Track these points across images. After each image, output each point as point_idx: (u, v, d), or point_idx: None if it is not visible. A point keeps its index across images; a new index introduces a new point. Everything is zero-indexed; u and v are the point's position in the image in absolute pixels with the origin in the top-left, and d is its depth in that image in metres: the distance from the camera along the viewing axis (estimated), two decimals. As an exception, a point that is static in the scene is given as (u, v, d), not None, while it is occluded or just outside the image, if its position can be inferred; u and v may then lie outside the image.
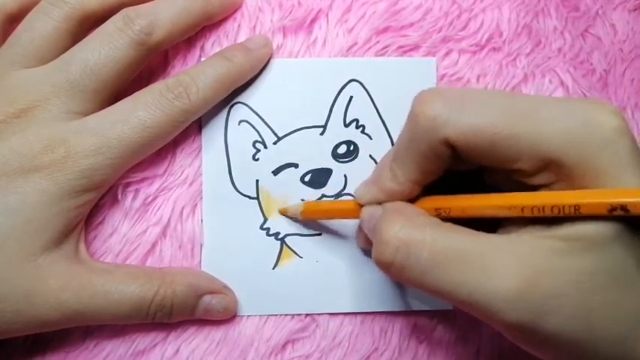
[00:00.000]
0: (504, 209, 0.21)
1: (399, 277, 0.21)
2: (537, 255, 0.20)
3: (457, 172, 0.23)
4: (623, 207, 0.18)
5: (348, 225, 0.29)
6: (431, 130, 0.21)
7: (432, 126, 0.21)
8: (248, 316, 0.28)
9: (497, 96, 0.21)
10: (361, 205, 0.25)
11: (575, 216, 0.19)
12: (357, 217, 0.25)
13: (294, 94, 0.30)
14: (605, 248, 0.19)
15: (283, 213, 0.29)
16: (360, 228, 0.27)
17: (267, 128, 0.30)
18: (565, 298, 0.19)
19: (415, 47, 0.31)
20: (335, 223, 0.29)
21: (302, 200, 0.29)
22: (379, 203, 0.24)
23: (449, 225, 0.21)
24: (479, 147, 0.20)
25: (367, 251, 0.29)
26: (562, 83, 0.31)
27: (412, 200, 0.23)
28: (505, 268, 0.19)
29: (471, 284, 0.19)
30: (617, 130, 0.20)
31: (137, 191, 0.29)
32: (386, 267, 0.21)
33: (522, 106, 0.20)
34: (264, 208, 0.29)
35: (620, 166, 0.19)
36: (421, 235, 0.20)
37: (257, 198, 0.29)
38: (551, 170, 0.20)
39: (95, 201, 0.27)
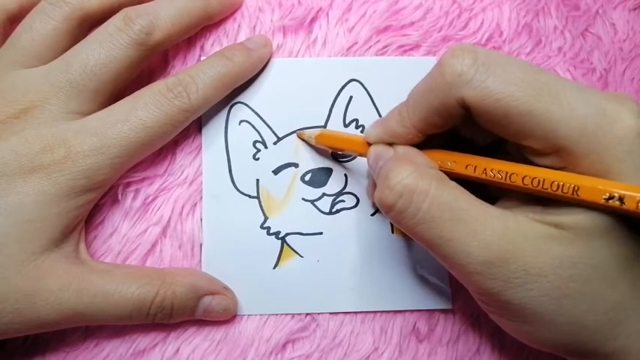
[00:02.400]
0: (506, 176, 0.21)
1: (395, 220, 0.22)
2: (525, 234, 0.20)
3: (473, 146, 0.24)
4: (621, 198, 0.19)
5: (350, 224, 0.29)
6: (451, 86, 0.21)
7: (454, 82, 0.21)
8: (248, 315, 0.28)
9: (524, 68, 0.21)
10: (369, 144, 0.25)
11: (572, 198, 0.19)
12: (365, 153, 0.25)
13: (294, 94, 0.30)
14: (592, 241, 0.20)
15: (300, 136, 0.29)
16: (371, 180, 0.28)
17: (268, 128, 0.30)
18: (541, 278, 0.20)
19: (415, 47, 0.31)
20: (336, 223, 0.29)
21: (302, 199, 0.29)
22: (389, 144, 0.24)
23: (454, 184, 0.22)
24: (493, 115, 0.20)
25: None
26: (562, 82, 0.31)
27: (415, 147, 0.24)
28: (492, 238, 0.20)
29: (457, 243, 0.20)
30: (634, 130, 0.20)
31: (137, 191, 0.29)
32: (386, 209, 0.22)
33: (545, 85, 0.20)
34: (264, 207, 0.29)
35: (630, 165, 0.20)
36: (427, 186, 0.21)
37: (257, 197, 0.29)
38: (560, 155, 0.20)
39: (95, 201, 0.26)
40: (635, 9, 0.33)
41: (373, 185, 0.27)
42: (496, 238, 0.20)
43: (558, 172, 0.20)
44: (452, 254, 0.21)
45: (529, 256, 0.20)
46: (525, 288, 0.20)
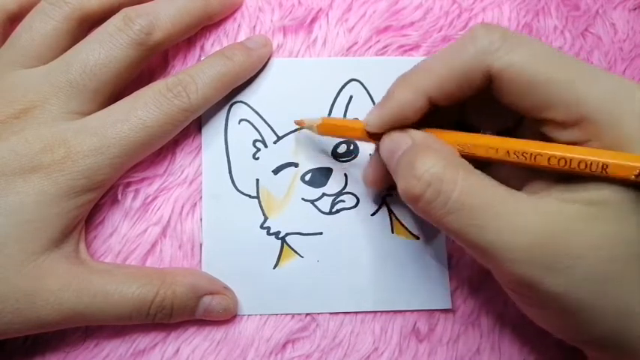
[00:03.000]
0: (531, 157, 0.21)
1: (423, 211, 0.21)
2: (560, 216, 0.20)
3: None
4: None
5: (350, 224, 0.29)
6: (480, 52, 0.21)
7: (484, 49, 0.21)
8: (248, 315, 0.28)
9: (549, 48, 0.22)
10: (372, 132, 0.24)
11: (600, 176, 0.19)
12: (368, 138, 0.25)
13: (294, 94, 0.30)
14: (629, 217, 0.19)
15: (300, 124, 0.28)
16: (370, 165, 0.27)
17: (268, 128, 0.30)
18: (581, 260, 0.19)
19: (415, 47, 0.31)
20: (336, 223, 0.29)
21: (302, 199, 0.29)
22: (391, 129, 0.24)
23: (479, 172, 0.21)
24: (517, 86, 0.21)
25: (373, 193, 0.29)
26: (562, 82, 0.31)
27: (410, 125, 0.23)
28: (526, 223, 0.20)
29: (491, 232, 0.20)
30: None
31: (137, 191, 0.29)
32: (413, 200, 0.21)
33: (570, 60, 0.21)
34: (264, 207, 0.29)
35: None
36: (455, 175, 0.20)
37: (257, 197, 0.29)
38: (583, 127, 0.20)
39: (95, 201, 0.26)
40: (635, 9, 0.33)
41: (373, 171, 0.27)
42: (529, 223, 0.20)
43: (584, 148, 0.20)
44: (485, 243, 0.20)
45: (565, 239, 0.19)
46: (563, 273, 0.19)
